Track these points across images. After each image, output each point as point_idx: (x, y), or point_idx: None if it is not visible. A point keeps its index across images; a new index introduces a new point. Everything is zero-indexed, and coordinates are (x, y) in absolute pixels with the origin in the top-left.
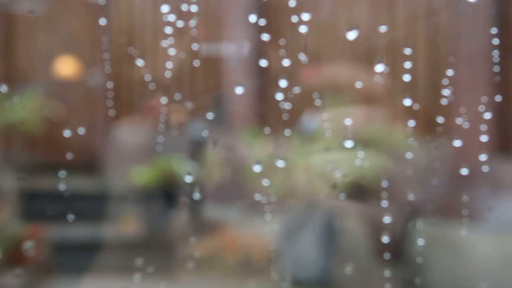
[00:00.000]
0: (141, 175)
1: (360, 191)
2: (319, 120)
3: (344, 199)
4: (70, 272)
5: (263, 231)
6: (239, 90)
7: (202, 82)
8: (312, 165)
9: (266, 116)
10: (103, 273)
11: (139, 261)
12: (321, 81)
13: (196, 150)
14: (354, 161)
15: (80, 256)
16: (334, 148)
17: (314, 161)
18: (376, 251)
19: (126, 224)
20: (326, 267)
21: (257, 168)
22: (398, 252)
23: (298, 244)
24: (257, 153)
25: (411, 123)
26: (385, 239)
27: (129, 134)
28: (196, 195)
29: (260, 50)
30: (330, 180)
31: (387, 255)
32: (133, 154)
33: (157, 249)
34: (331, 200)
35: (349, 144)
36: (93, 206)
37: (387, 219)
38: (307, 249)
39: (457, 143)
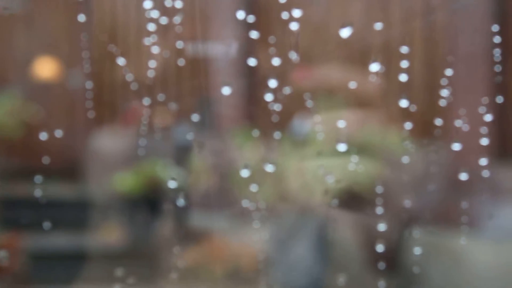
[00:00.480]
0: (124, 181)
1: (354, 198)
2: (311, 123)
3: (337, 206)
4: (49, 283)
5: (252, 240)
6: (226, 91)
7: (187, 83)
8: (304, 170)
9: (255, 118)
10: (84, 285)
11: (121, 272)
12: (313, 82)
13: (181, 155)
14: (348, 167)
15: (59, 266)
16: (327, 153)
17: (306, 167)
18: (371, 261)
19: (108, 233)
20: (319, 277)
21: (245, 173)
22: (394, 261)
23: (290, 253)
24: (246, 158)
25: (408, 125)
26: (380, 248)
27: (111, 138)
28: (182, 202)
29: (249, 49)
30: (323, 187)
31: (382, 265)
32: (115, 160)
33: (140, 259)
34: (324, 208)
35: (342, 147)
36: (73, 214)
37: (382, 227)
38: (299, 259)
39: (456, 146)
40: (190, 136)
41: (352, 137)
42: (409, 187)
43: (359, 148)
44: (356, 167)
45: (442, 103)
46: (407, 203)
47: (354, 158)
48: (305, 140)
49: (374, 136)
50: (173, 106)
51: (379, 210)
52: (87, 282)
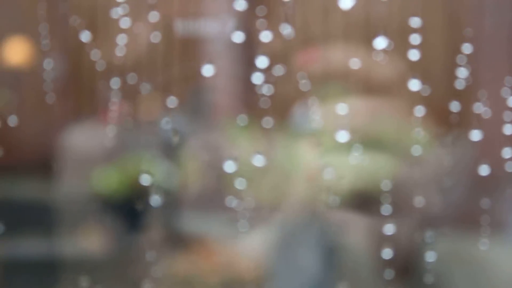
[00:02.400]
0: (105, 180)
1: (364, 197)
2: (315, 113)
3: (344, 206)
4: None
5: (249, 246)
6: (207, 71)
7: (176, 68)
8: (307, 167)
9: (253, 108)
10: None
11: (101, 282)
12: (319, 67)
13: (169, 150)
14: (357, 163)
15: (29, 276)
16: (332, 147)
17: (309, 162)
18: (382, 269)
19: (87, 238)
20: (323, 286)
21: (229, 167)
22: (408, 269)
23: (291, 261)
24: (242, 151)
25: (421, 111)
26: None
27: (90, 131)
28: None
29: (248, 31)
30: (328, 185)
31: (394, 273)
32: (94, 155)
33: (123, 268)
34: (330, 209)
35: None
36: (47, 217)
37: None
38: (302, 267)
39: (476, 135)
40: (178, 128)
41: (362, 129)
42: (424, 184)
43: (369, 141)
44: (365, 163)
45: (460, 84)
46: (422, 203)
47: (364, 153)
48: (308, 132)
49: (386, 128)
50: (159, 94)
51: (391, 211)
52: None
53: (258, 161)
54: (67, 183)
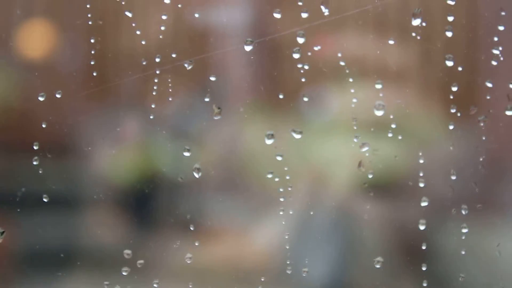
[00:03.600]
0: (122, 166)
1: (387, 186)
2: (336, 100)
3: (367, 195)
4: (36, 279)
5: (267, 235)
6: (248, 47)
7: (194, 55)
8: (327, 154)
9: (270, 97)
10: (75, 283)
11: (115, 271)
12: (340, 54)
13: (187, 137)
14: (379, 150)
15: (46, 259)
16: (353, 135)
17: (330, 150)
18: (403, 257)
19: (102, 224)
20: (342, 277)
21: (269, 141)
22: (430, 258)
23: (310, 250)
24: (261, 139)
25: (452, 89)
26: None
27: (109, 117)
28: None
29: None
30: (349, 173)
31: (416, 262)
32: (112, 142)
33: (139, 255)
34: (351, 197)
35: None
36: (63, 201)
37: (418, 221)
38: (321, 256)
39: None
40: (196, 116)
41: (385, 116)
42: (452, 171)
43: (394, 128)
44: (388, 151)
45: (493, 63)
46: (449, 191)
47: (387, 140)
48: (328, 120)
49: (412, 115)
50: (178, 83)
51: (415, 201)
52: (78, 278)
53: (297, 136)
54: (92, 168)
